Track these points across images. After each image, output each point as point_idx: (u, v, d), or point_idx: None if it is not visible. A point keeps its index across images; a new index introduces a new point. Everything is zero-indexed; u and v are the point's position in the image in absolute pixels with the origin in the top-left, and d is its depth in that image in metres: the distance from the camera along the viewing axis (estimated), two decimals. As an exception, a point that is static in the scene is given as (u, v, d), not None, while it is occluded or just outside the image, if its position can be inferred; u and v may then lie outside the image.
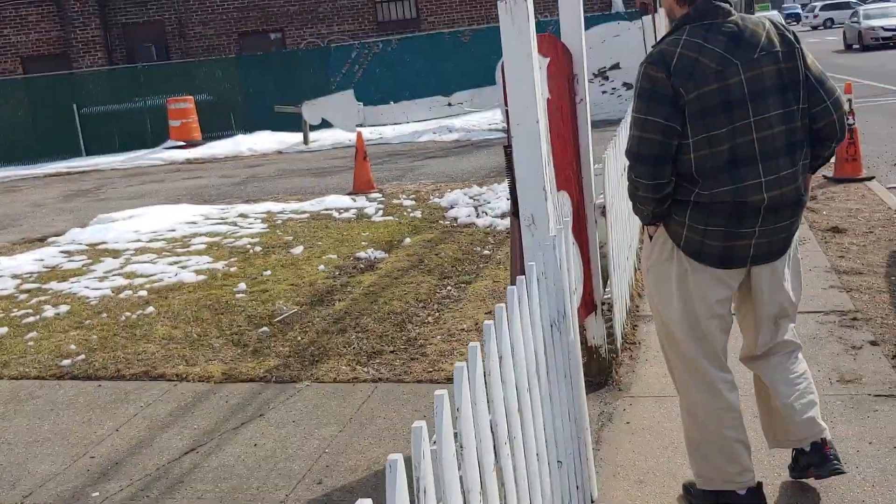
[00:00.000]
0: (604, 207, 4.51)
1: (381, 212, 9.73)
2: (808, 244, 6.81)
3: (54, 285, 7.53)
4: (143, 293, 6.97)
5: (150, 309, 6.46)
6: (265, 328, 5.80)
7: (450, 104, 18.23)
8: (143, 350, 5.63)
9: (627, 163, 3.03)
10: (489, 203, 9.67)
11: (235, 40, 24.06)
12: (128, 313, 6.43)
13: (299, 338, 5.58)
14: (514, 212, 3.52)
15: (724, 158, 2.89)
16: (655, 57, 2.92)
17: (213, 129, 19.93)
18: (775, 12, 42.77)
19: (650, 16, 16.35)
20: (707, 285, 3.06)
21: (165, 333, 5.89)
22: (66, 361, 5.54)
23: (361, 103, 17.98)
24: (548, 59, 4.07)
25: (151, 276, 7.53)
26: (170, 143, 19.30)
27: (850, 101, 9.37)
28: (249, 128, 20.07)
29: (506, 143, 3.62)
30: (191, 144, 18.99)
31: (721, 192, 2.90)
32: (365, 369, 5.01)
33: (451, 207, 9.79)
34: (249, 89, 20.49)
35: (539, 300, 2.60)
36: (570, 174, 4.29)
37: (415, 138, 17.55)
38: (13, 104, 20.53)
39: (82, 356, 5.61)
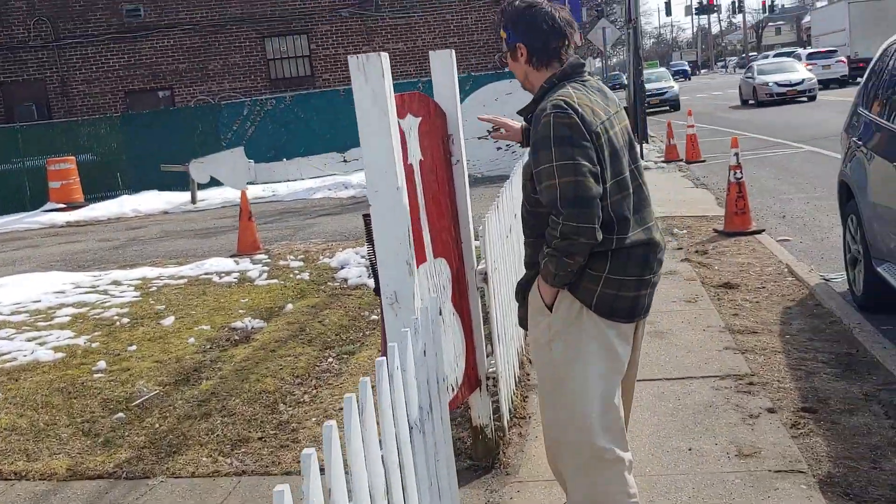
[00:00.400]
0: (485, 273, 4.17)
1: (265, 274, 9.22)
2: (700, 301, 6.62)
3: None
4: (-9, 375, 6.29)
5: (-4, 394, 5.80)
6: (121, 414, 5.23)
7: (345, 160, 17.88)
8: (-22, 443, 4.99)
9: (557, 215, 2.79)
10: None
11: (122, 98, 23.27)
12: (-31, 400, 5.76)
13: (157, 424, 5.03)
14: (377, 288, 3.14)
15: (630, 203, 2.94)
16: (559, 105, 2.84)
17: (98, 189, 19.06)
18: (663, 69, 44.04)
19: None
20: (618, 344, 2.98)
21: (9, 423, 5.25)
22: None
23: (252, 161, 17.44)
24: (419, 119, 3.74)
25: (5, 354, 6.83)
26: (50, 205, 18.31)
27: (736, 154, 9.40)
28: (136, 187, 19.26)
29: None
30: (72, 206, 18.05)
31: (636, 234, 2.92)
32: (228, 460, 4.51)
33: (342, 268, 9.36)
34: (136, 148, 19.71)
35: (394, 401, 2.21)
36: (448, 239, 3.95)
37: (309, 195, 17.10)
38: None
39: None
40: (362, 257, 9.71)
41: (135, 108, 22.86)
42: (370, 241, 3.05)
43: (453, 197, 4.03)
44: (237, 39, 23.57)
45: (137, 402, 5.40)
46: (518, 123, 3.67)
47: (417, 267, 3.14)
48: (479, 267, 4.18)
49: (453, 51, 4.10)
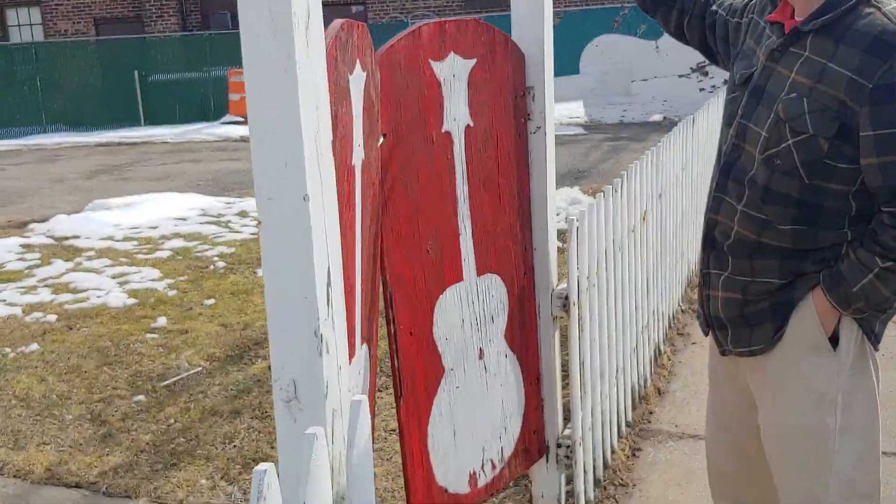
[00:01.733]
0: (565, 298, 2.83)
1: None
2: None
3: (-30, 294, 6.27)
4: (52, 318, 5.61)
5: (35, 346, 5.08)
6: (141, 396, 4.32)
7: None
8: (-20, 414, 4.25)
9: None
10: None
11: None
12: (8, 349, 5.07)
13: (173, 419, 4.08)
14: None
15: None
16: None
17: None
18: None
19: None
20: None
21: (22, 390, 4.49)
22: None
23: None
24: (471, 62, 2.43)
25: (81, 292, 6.17)
26: (228, 117, 18.14)
27: None
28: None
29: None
30: (250, 120, 17.76)
31: None
32: (229, 489, 3.49)
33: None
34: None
35: None
36: (509, 245, 2.65)
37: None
38: (83, 67, 19.73)
39: None
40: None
41: (330, 23, 22.32)
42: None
43: (525, 180, 2.70)
44: (435, -45, 22.37)
45: (168, 381, 4.48)
46: None
47: (359, 347, 1.89)
48: (560, 287, 2.85)
49: (549, -39, 2.72)
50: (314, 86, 1.47)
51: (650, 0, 2.46)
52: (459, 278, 2.45)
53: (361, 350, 2.03)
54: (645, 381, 4.03)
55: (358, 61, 1.86)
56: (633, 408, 3.82)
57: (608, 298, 3.27)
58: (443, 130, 2.36)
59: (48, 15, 22.01)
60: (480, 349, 2.56)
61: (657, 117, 15.26)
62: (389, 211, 2.20)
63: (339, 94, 1.70)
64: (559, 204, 8.17)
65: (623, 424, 3.62)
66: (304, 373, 1.52)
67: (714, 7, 2.36)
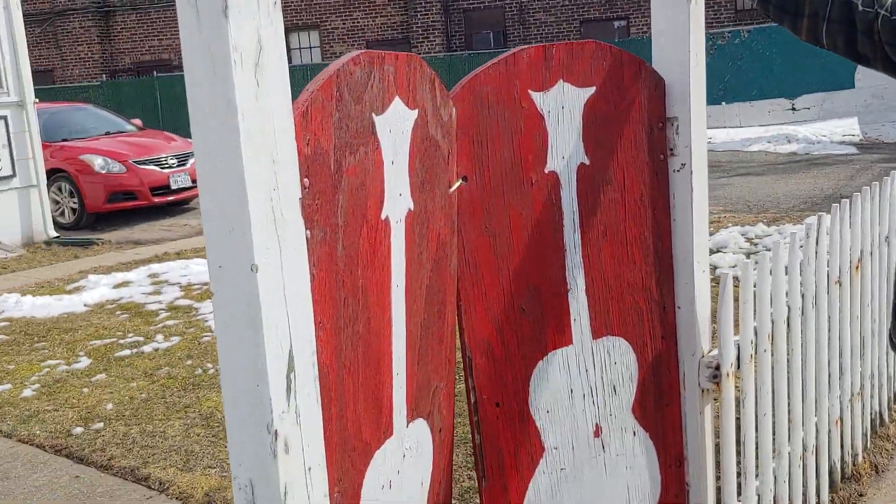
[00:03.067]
0: (716, 368, 2.36)
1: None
2: None
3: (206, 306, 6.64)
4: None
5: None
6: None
7: (793, 108, 15.24)
8: (167, 429, 4.40)
9: None
10: (767, 250, 7.26)
11: (576, 28, 22.59)
12: (209, 364, 5.27)
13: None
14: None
15: None
16: None
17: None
18: None
19: None
20: None
21: (210, 408, 4.61)
22: (79, 429, 4.48)
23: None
24: (587, 91, 2.08)
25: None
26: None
27: None
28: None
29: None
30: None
31: None
32: None
33: (715, 251, 7.54)
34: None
35: None
36: (641, 303, 2.25)
37: (744, 146, 14.87)
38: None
39: (101, 424, 4.52)
40: (746, 241, 7.76)
41: (587, 38, 22.09)
42: None
43: (665, 228, 2.29)
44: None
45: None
46: None
47: (388, 438, 1.59)
48: (711, 354, 2.39)
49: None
50: (268, 134, 1.22)
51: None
52: (567, 342, 2.10)
53: (412, 428, 1.75)
54: (854, 457, 3.39)
55: (398, 98, 1.58)
56: (835, 490, 3.21)
57: (791, 363, 2.74)
58: (546, 171, 2.03)
59: (325, 38, 23.51)
60: (597, 425, 2.19)
61: (947, 135, 13.54)
62: (469, 264, 1.91)
63: (349, 140, 1.44)
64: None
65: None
66: (259, 474, 1.28)
67: None
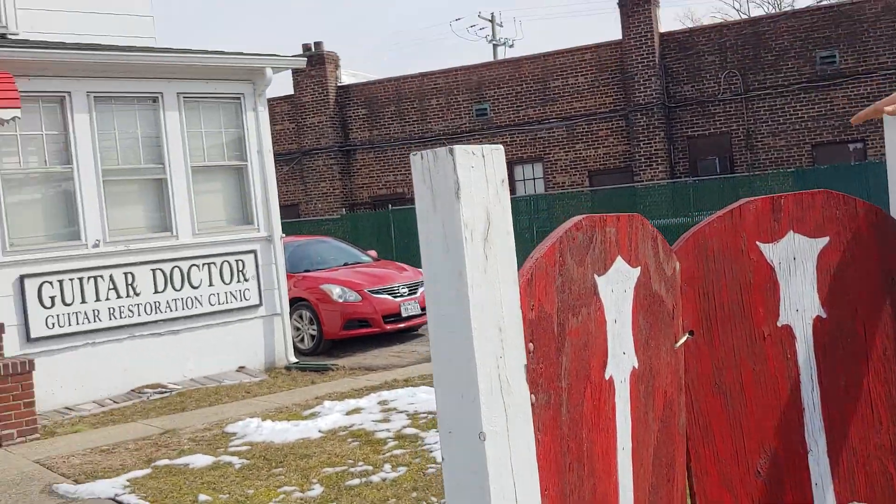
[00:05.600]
0: None
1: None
2: None
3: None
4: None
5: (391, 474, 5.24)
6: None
7: None
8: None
9: None
10: None
11: (807, 151, 21.78)
12: (371, 467, 5.32)
13: None
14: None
15: None
16: None
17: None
18: None
19: None
20: None
21: None
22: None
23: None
24: (822, 241, 2.01)
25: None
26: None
27: None
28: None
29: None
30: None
31: None
32: None
33: None
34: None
35: None
36: (891, 468, 2.07)
37: None
38: (575, 214, 21.17)
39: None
40: None
41: (820, 161, 21.21)
42: None
43: (914, 387, 2.11)
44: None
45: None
46: None
47: None
48: (977, 526, 2.13)
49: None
50: (495, 304, 1.26)
51: None
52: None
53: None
54: None
55: (619, 258, 1.60)
56: None
57: None
58: (779, 324, 1.94)
59: (549, 169, 24.07)
60: None
61: None
62: (699, 423, 1.85)
63: (572, 302, 1.46)
64: None
65: None
66: None
67: None
